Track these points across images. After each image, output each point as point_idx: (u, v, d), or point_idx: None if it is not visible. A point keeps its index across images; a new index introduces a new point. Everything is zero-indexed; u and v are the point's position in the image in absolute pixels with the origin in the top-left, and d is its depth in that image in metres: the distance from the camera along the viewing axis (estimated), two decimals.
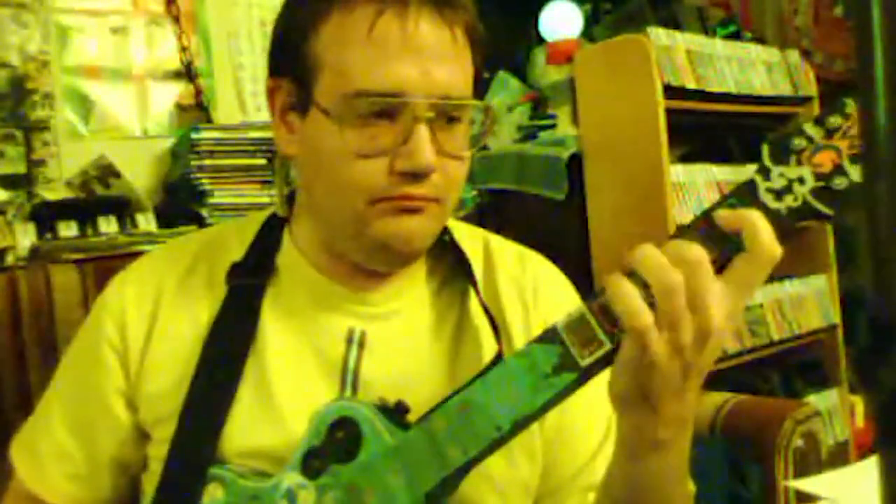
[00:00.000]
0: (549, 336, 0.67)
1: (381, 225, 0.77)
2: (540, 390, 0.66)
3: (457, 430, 0.69)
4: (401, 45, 0.74)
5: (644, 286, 0.63)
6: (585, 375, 0.66)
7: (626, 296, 0.62)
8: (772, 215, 0.64)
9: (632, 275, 0.63)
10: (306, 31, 0.77)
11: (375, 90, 0.74)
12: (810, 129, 0.66)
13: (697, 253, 0.62)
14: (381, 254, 0.80)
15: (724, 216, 0.64)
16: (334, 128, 0.75)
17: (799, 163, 0.65)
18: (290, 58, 0.79)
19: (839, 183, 0.64)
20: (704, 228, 0.64)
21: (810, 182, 0.64)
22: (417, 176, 0.75)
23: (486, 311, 0.85)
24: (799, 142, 0.65)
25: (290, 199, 0.89)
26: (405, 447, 0.71)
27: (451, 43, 0.76)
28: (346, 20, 0.75)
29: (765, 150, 0.66)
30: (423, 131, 0.74)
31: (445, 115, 0.77)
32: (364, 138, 0.75)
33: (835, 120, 0.65)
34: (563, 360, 0.66)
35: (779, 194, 0.65)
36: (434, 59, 0.75)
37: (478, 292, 0.86)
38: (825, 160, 0.64)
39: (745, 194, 0.65)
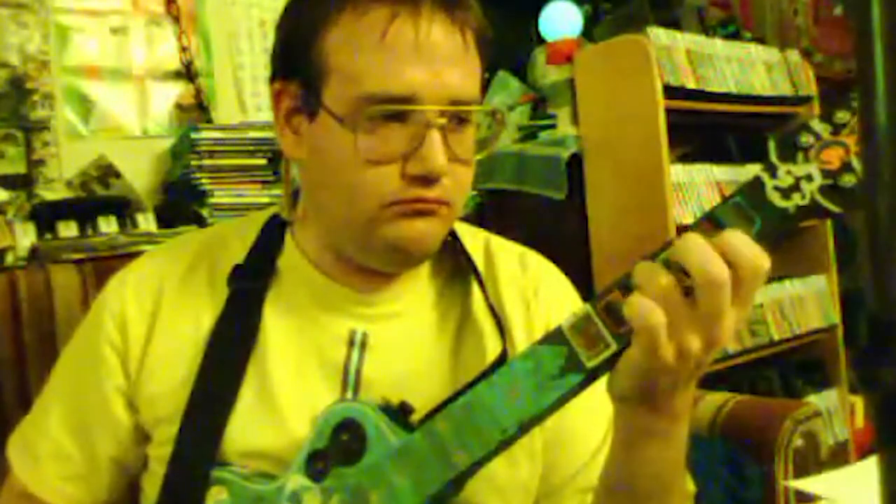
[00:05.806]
0: (555, 337, 0.66)
1: (393, 228, 0.77)
2: (545, 392, 0.66)
3: (462, 432, 0.68)
4: (413, 50, 0.73)
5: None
6: (591, 377, 0.65)
7: (637, 300, 0.62)
8: (779, 214, 0.62)
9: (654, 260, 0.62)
10: (314, 34, 0.76)
11: (388, 95, 0.74)
12: (817, 125, 0.63)
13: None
14: (392, 256, 0.80)
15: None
16: (345, 133, 0.75)
17: (806, 159, 0.62)
18: (297, 60, 0.78)
19: (848, 180, 0.61)
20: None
21: (818, 179, 0.62)
22: (429, 180, 0.75)
23: (492, 309, 0.85)
24: (806, 138, 0.63)
25: (293, 200, 0.89)
26: (410, 449, 0.70)
27: (462, 46, 0.76)
28: (358, 23, 0.75)
29: (771, 146, 0.64)
30: (435, 136, 0.74)
31: (456, 119, 0.77)
32: (375, 143, 0.74)
33: (842, 115, 0.63)
34: (569, 362, 0.65)
35: (786, 192, 0.62)
36: (445, 63, 0.75)
37: (484, 291, 0.86)
38: (833, 157, 0.62)
39: (751, 193, 0.63)
